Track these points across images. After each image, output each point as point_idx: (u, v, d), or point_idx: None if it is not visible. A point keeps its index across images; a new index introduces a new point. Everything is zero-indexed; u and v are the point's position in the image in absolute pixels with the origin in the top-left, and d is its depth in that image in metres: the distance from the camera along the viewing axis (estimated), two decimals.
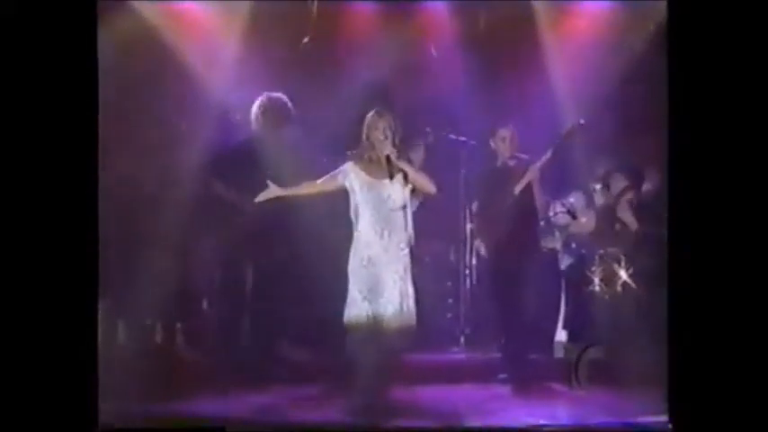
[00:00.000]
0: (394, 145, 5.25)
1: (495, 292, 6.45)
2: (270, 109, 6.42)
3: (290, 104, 6.48)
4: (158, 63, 6.60)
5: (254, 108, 6.46)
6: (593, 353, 6.25)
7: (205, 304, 6.89)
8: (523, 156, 6.39)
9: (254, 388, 5.95)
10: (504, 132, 6.40)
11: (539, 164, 6.24)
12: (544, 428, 5.19)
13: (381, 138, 5.26)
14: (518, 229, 6.29)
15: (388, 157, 5.23)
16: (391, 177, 5.25)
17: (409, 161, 5.55)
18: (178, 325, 6.80)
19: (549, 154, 6.23)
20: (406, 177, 5.36)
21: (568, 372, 6.27)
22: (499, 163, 6.45)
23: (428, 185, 5.39)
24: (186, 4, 6.88)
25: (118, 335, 6.42)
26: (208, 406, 5.57)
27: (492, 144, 6.47)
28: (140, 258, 6.22)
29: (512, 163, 6.40)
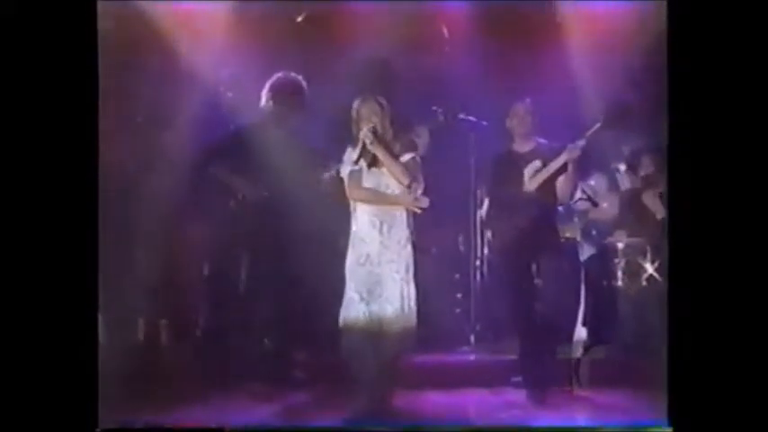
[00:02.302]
0: (374, 131, 5.19)
1: (509, 285, 6.10)
2: (282, 91, 6.17)
3: (304, 86, 6.22)
4: (152, 48, 6.55)
5: (266, 90, 6.21)
6: (594, 352, 6.12)
7: (196, 303, 6.73)
8: (541, 140, 6.07)
9: (250, 392, 5.84)
10: (521, 108, 6.04)
11: (581, 142, 5.82)
12: (544, 429, 5.25)
13: (367, 123, 5.24)
14: (536, 217, 5.93)
15: (363, 143, 5.19)
16: (357, 161, 5.22)
17: (413, 144, 5.49)
18: (164, 322, 6.62)
19: (594, 129, 5.84)
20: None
21: (569, 371, 6.12)
22: (515, 145, 6.11)
23: (402, 176, 5.24)
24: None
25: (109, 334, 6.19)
26: (201, 410, 5.50)
27: (507, 123, 6.13)
28: (132, 257, 6.23)
29: (529, 146, 6.06)
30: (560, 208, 6.36)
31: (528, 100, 6.06)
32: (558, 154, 5.87)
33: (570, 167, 5.88)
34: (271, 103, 6.15)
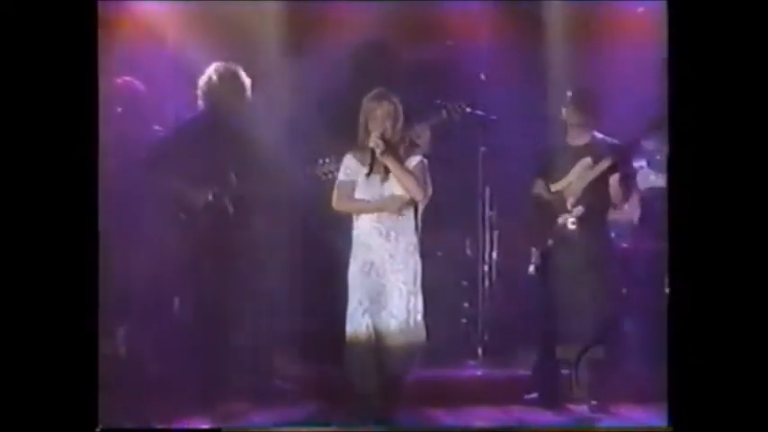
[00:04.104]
0: (383, 137, 5.00)
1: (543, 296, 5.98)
2: (219, 83, 5.90)
3: (243, 75, 5.95)
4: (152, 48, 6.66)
5: (201, 83, 5.98)
6: (593, 353, 5.87)
7: (178, 312, 6.47)
8: (599, 134, 5.88)
9: (241, 409, 5.69)
10: (579, 97, 5.86)
11: (627, 144, 5.78)
12: (544, 429, 5.35)
13: (378, 128, 5.04)
14: (583, 222, 5.81)
15: (372, 152, 5.02)
16: (369, 173, 5.05)
17: (414, 143, 5.34)
18: (148, 335, 6.37)
19: (636, 141, 5.87)
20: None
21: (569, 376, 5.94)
22: (568, 138, 5.95)
23: (415, 190, 5.04)
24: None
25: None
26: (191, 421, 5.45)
27: (563, 114, 5.91)
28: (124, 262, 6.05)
29: (584, 140, 5.88)
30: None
31: (583, 89, 5.92)
32: (613, 151, 5.71)
33: (612, 177, 5.72)
34: (209, 98, 5.92)
